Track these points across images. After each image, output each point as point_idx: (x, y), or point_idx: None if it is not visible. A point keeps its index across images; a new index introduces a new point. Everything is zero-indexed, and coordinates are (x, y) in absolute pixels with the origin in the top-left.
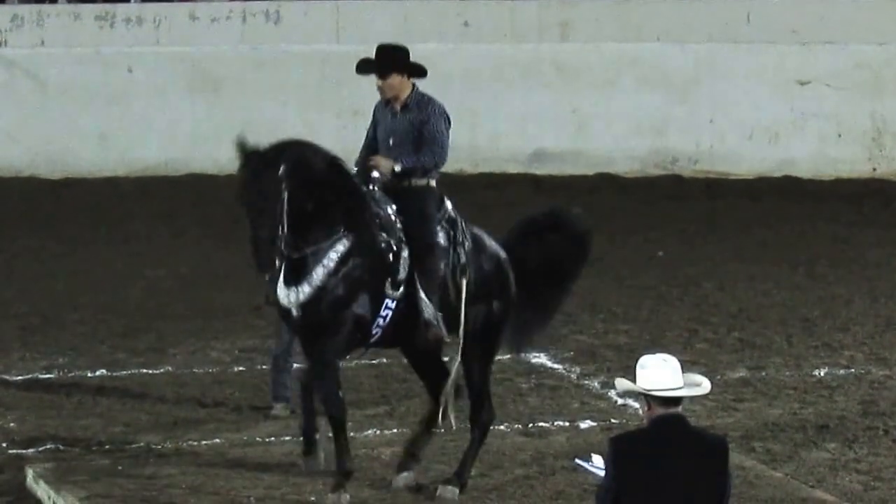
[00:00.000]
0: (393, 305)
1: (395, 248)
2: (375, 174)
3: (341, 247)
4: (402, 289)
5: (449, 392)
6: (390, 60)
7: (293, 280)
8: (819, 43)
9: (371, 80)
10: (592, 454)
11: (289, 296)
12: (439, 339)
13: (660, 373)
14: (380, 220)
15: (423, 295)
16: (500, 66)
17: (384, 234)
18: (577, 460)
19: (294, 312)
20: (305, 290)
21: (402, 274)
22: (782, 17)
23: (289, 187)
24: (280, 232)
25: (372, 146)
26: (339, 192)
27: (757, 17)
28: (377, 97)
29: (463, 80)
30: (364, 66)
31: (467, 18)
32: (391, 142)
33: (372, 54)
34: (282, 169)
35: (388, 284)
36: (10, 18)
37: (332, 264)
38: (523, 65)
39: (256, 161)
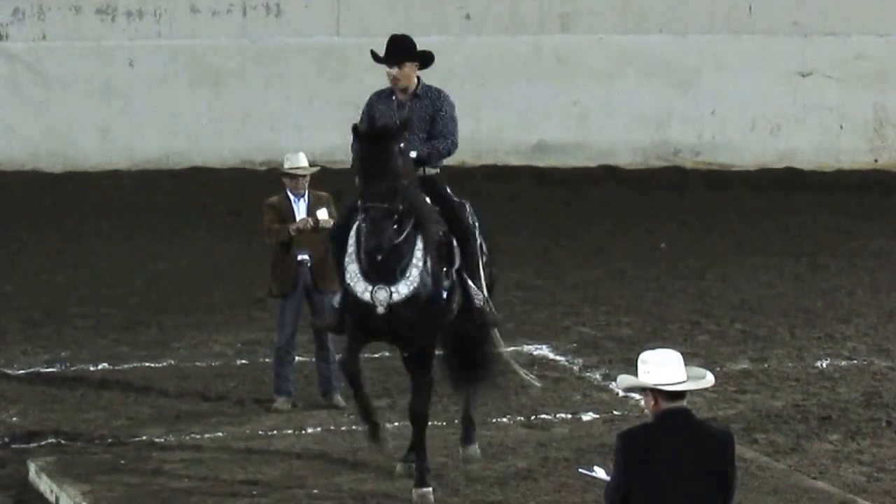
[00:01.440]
0: (446, 296)
1: (445, 237)
2: None
3: (420, 242)
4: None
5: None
6: (405, 50)
7: (380, 276)
8: (820, 34)
9: (372, 72)
10: (595, 466)
11: (375, 293)
12: (494, 324)
13: (663, 367)
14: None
15: (471, 282)
16: (501, 58)
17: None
18: (581, 470)
19: (380, 310)
20: (402, 290)
21: (457, 263)
22: (784, 8)
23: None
24: (398, 212)
25: None
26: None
27: (758, 8)
28: (376, 89)
29: (464, 72)
30: (383, 56)
31: (468, 11)
32: None
33: (372, 46)
34: (401, 150)
35: (443, 274)
36: (12, 12)
37: (420, 263)
38: (525, 57)
39: (381, 136)
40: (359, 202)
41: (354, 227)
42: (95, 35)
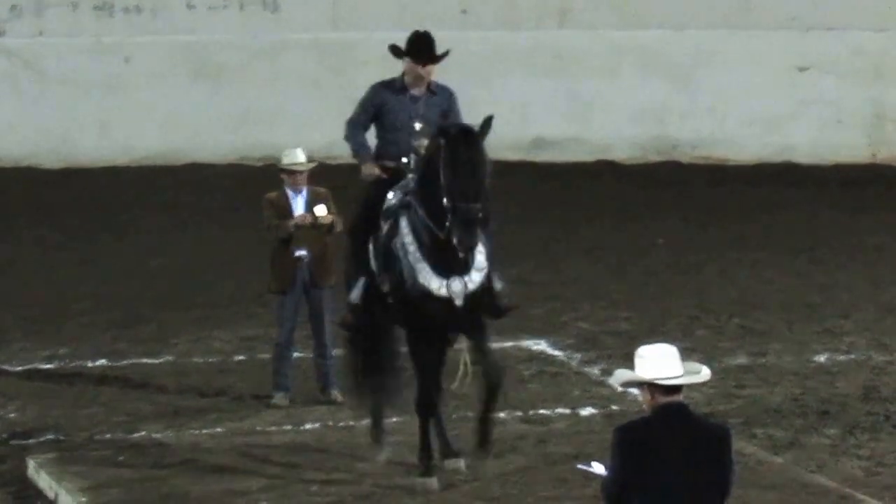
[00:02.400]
0: None
1: None
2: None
3: None
4: None
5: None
6: (433, 50)
7: (452, 269)
8: (818, 29)
9: (370, 67)
10: (592, 461)
11: (450, 286)
12: (513, 309)
13: (660, 361)
14: None
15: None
16: (498, 53)
17: None
18: (579, 465)
19: (458, 302)
20: (475, 278)
21: (486, 250)
22: (782, 3)
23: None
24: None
25: (366, 128)
26: None
27: (756, 3)
28: (373, 83)
29: (461, 67)
30: (409, 52)
31: (465, 6)
32: (416, 125)
33: (370, 41)
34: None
35: None
36: (10, 8)
37: (483, 249)
38: (522, 52)
39: (475, 136)
40: (445, 201)
41: (404, 223)
42: (93, 31)
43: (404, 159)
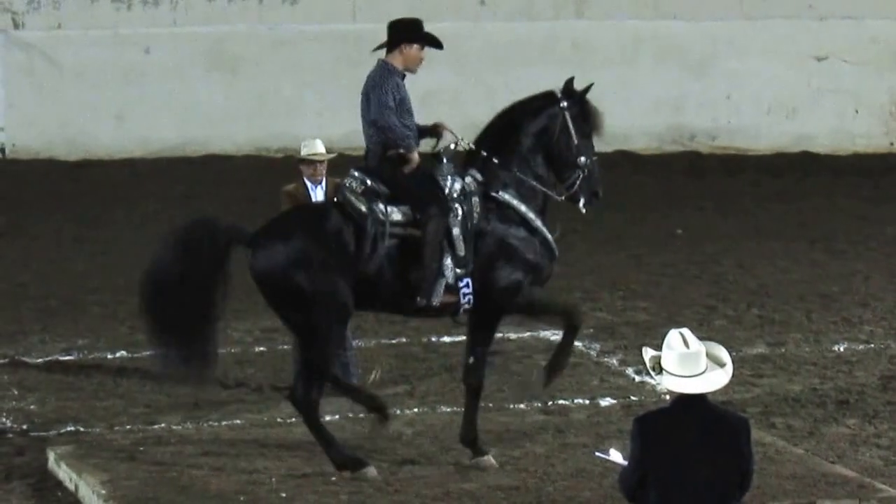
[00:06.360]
0: None
1: None
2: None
3: None
4: None
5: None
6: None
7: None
8: (836, 18)
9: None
10: (610, 448)
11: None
12: None
13: (684, 359)
14: None
15: None
16: (516, 44)
17: None
18: (597, 453)
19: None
20: None
21: None
22: None
23: None
24: None
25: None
26: None
27: None
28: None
29: (479, 58)
30: (425, 38)
31: None
32: (412, 110)
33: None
34: None
35: None
36: (28, 1)
37: None
38: (540, 43)
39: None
40: (582, 160)
41: (509, 196)
42: (111, 23)
43: (450, 144)
